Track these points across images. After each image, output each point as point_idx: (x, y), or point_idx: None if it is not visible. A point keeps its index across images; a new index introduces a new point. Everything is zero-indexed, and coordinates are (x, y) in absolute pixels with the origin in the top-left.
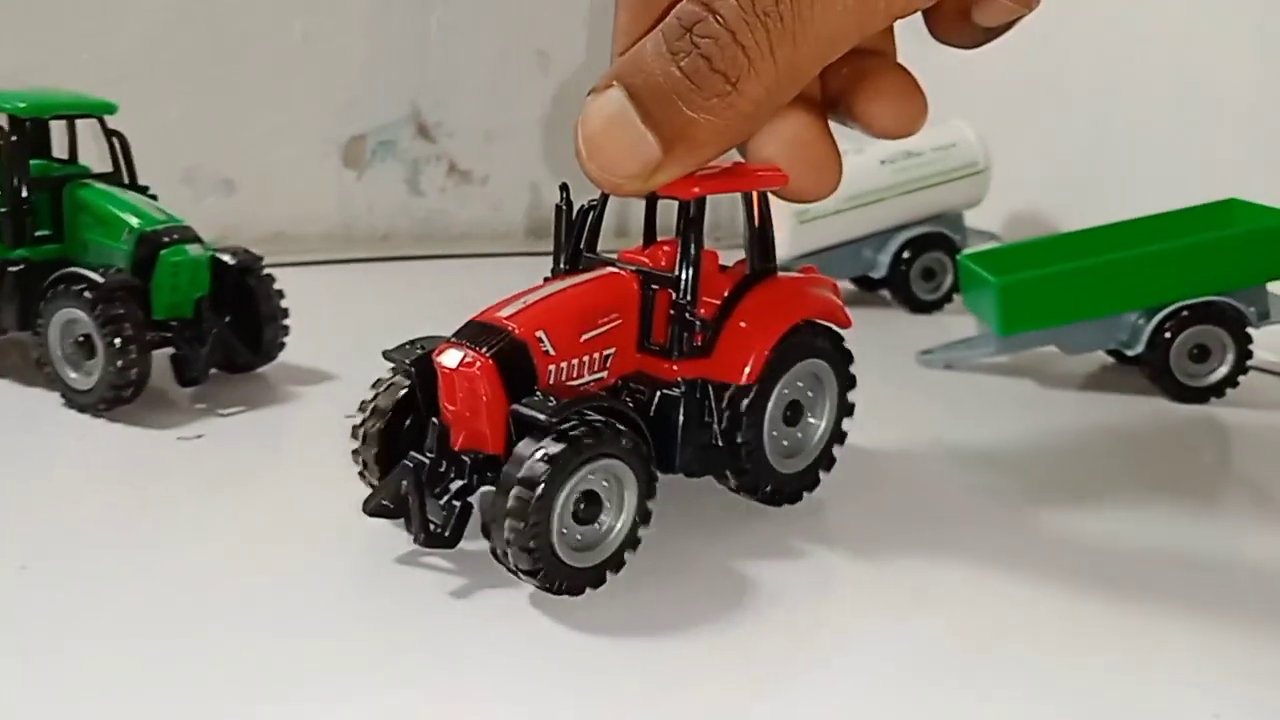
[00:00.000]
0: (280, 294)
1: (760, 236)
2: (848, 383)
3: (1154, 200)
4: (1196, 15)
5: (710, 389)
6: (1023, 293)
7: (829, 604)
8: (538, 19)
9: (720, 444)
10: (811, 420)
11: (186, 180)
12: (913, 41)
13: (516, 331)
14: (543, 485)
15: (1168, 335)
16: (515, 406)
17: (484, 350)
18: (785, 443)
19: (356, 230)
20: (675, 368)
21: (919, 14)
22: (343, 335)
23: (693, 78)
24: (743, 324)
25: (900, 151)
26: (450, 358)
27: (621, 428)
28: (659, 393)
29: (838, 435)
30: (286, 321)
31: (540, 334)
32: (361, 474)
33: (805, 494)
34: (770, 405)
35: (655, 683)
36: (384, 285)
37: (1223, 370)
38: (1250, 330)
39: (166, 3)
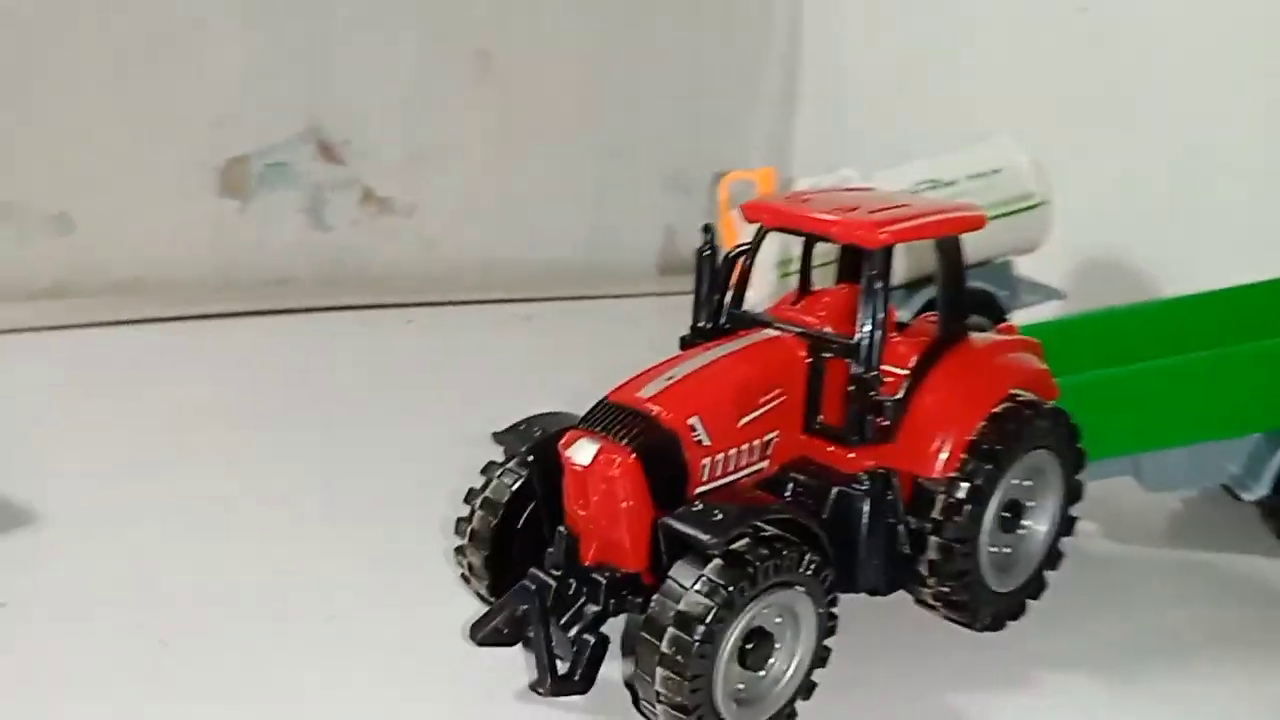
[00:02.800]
0: None
1: (955, 290)
2: (1076, 466)
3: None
4: None
5: (896, 483)
6: (1079, 403)
7: None
8: (473, 11)
9: (910, 551)
10: (1032, 523)
11: (6, 217)
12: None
13: (664, 418)
14: (707, 626)
15: None
16: (668, 520)
17: (625, 442)
18: (1003, 552)
19: (240, 274)
20: (854, 456)
21: None
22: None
23: None
24: (934, 401)
25: (925, 180)
26: (582, 452)
27: (800, 544)
28: (835, 490)
29: (1065, 527)
30: None
31: (694, 421)
32: (465, 577)
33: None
34: (990, 509)
35: None
36: (286, 342)
37: None
38: None
39: None
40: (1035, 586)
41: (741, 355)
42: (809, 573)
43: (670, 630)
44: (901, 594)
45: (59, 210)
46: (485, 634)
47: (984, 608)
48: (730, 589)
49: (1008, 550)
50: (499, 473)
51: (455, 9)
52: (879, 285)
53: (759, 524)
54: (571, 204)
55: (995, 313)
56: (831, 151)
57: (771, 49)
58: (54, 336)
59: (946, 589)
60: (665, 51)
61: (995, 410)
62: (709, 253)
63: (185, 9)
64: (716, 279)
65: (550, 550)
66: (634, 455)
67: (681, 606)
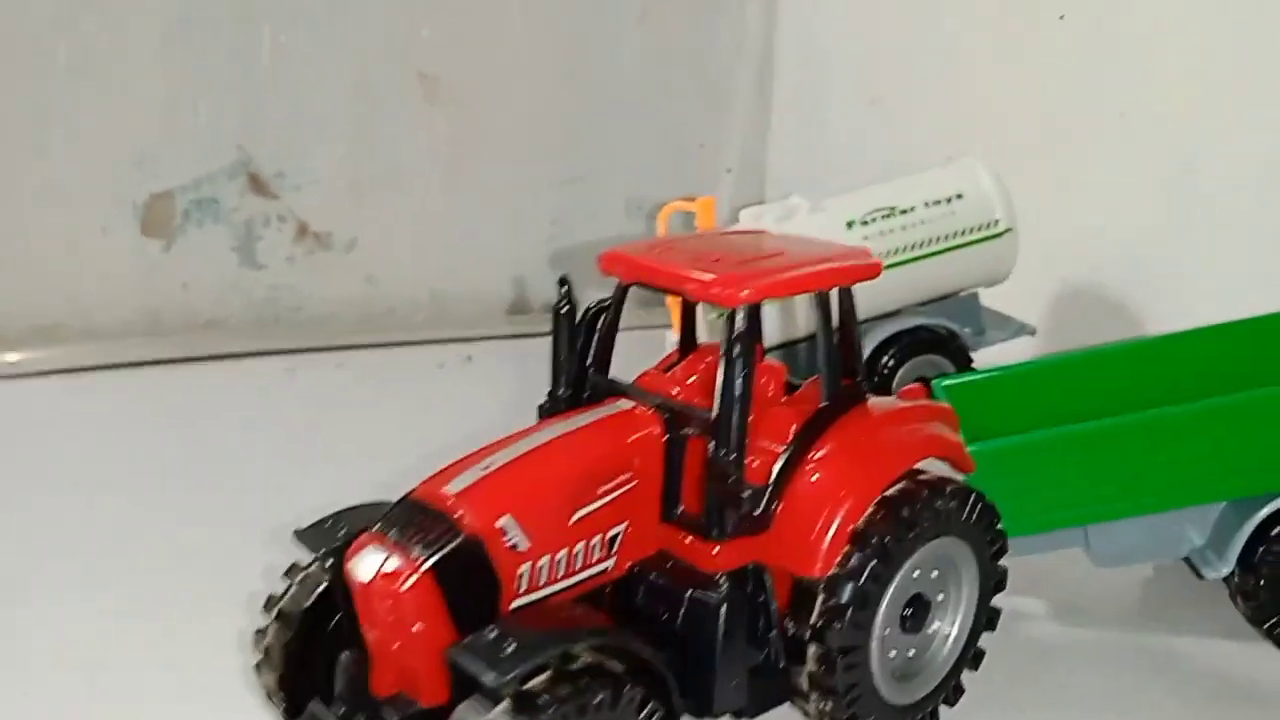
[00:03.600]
0: None
1: (840, 349)
2: (995, 553)
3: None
4: None
5: (770, 582)
6: (1010, 470)
7: None
8: (417, 30)
9: (781, 665)
10: (939, 623)
11: None
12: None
13: (465, 521)
14: None
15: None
16: (452, 651)
17: (416, 554)
18: (896, 655)
19: (167, 317)
20: (716, 553)
21: None
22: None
23: None
24: (816, 482)
25: (879, 208)
26: (365, 565)
27: (624, 675)
28: (689, 595)
29: (984, 622)
30: None
31: (504, 521)
32: (270, 697)
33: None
34: (881, 610)
35: None
36: (214, 393)
37: None
38: None
39: None
40: (948, 693)
41: (581, 435)
42: (632, 712)
43: None
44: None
45: None
46: None
47: None
48: None
49: (911, 654)
50: (300, 577)
51: (396, 28)
52: (740, 350)
53: (572, 650)
54: (528, 234)
55: (957, 352)
56: (806, 173)
57: (743, 67)
58: None
59: (830, 706)
60: (629, 71)
61: (889, 492)
62: (566, 309)
63: (100, 36)
64: (575, 339)
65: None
66: (425, 569)
67: None
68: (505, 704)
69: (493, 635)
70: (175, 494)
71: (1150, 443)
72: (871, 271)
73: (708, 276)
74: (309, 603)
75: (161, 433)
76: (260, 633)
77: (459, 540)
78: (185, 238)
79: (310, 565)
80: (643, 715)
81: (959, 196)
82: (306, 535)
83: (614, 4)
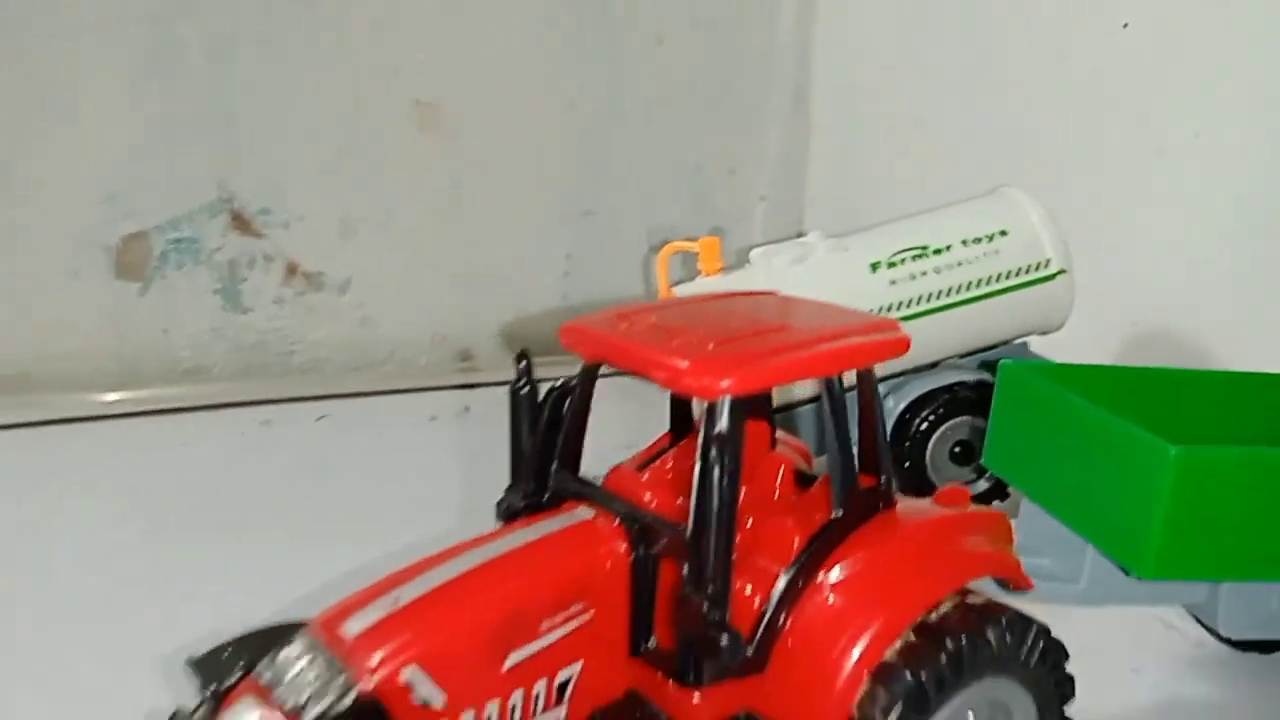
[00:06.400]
0: None
1: (856, 443)
2: (1060, 699)
3: None
4: None
5: None
6: (1218, 483)
7: None
8: (411, 54)
9: None
10: None
11: None
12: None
13: (364, 676)
14: None
15: None
16: None
17: (303, 712)
18: None
19: (146, 366)
20: (697, 701)
21: None
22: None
23: None
24: (826, 615)
25: (909, 248)
26: None
27: None
28: None
29: None
30: None
31: (410, 675)
32: None
33: None
34: None
35: None
36: (194, 447)
37: None
38: None
39: None
40: None
41: (521, 556)
42: None
43: None
44: None
45: None
46: None
47: None
48: None
49: None
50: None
51: (390, 54)
52: (719, 454)
53: None
54: (539, 272)
55: None
56: (847, 200)
57: (777, 88)
58: None
59: None
60: (647, 95)
61: (925, 619)
62: (526, 389)
63: (68, 69)
64: (534, 427)
65: None
66: None
67: None
68: None
69: None
70: (129, 553)
71: None
72: (898, 349)
73: (682, 363)
74: None
75: (132, 489)
76: None
77: (349, 699)
78: (163, 280)
79: (193, 713)
80: None
81: (1003, 233)
82: (201, 664)
83: (628, 25)
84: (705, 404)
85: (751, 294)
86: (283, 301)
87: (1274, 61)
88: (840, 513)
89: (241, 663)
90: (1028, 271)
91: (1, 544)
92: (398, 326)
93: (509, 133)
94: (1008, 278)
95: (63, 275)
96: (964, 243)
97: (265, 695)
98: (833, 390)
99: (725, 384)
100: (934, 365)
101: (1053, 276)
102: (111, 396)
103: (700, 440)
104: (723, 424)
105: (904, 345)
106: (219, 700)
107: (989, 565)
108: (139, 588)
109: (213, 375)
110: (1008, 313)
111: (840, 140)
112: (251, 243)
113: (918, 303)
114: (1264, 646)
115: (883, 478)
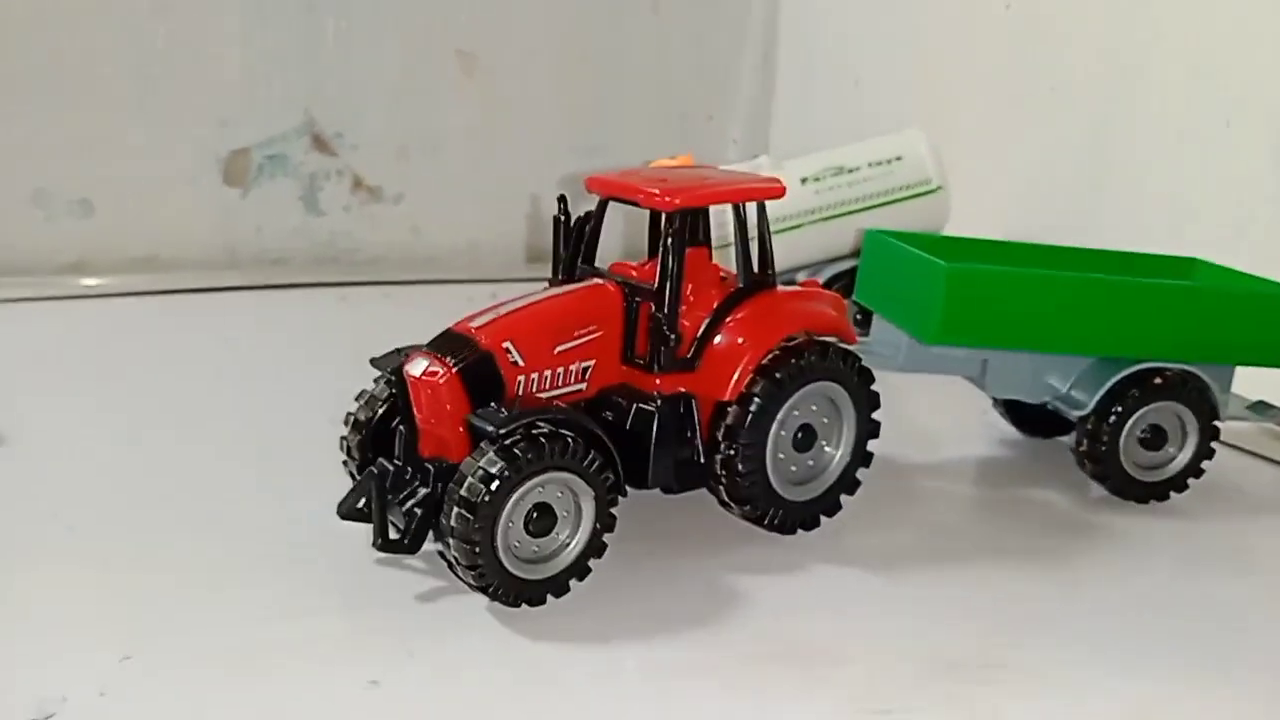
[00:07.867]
0: None
1: (753, 248)
2: (869, 404)
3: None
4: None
5: (696, 404)
6: (975, 288)
7: (821, 619)
8: (455, 14)
9: (701, 460)
10: (827, 448)
11: (36, 201)
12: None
13: (483, 342)
14: (482, 503)
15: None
16: (470, 416)
17: (449, 360)
18: (794, 468)
19: (243, 254)
20: (658, 382)
21: None
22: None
23: None
24: (730, 337)
25: (828, 167)
26: (416, 367)
27: (572, 439)
28: (635, 405)
29: (860, 459)
30: None
31: (508, 345)
32: (351, 475)
33: (825, 519)
34: (773, 430)
35: (615, 693)
36: (281, 314)
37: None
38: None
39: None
40: (830, 505)
41: (564, 297)
42: (583, 464)
43: (456, 508)
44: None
45: (81, 196)
46: (347, 510)
47: (774, 509)
48: (500, 473)
49: (810, 464)
50: (367, 397)
51: (438, 12)
52: (673, 242)
53: (540, 422)
54: (549, 196)
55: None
56: (801, 143)
57: (749, 51)
58: (75, 305)
59: (734, 484)
60: (644, 52)
61: (784, 344)
62: (564, 218)
63: (192, 17)
64: (568, 240)
65: (395, 446)
66: (455, 370)
67: (464, 490)
68: (495, 450)
69: (494, 409)
70: (255, 383)
71: (1073, 296)
72: (775, 192)
73: (655, 190)
74: (375, 414)
75: (239, 347)
76: (344, 437)
77: (478, 354)
78: (259, 188)
79: (375, 387)
80: (588, 466)
81: (898, 159)
82: (378, 361)
83: None
84: (665, 214)
85: (701, 166)
86: (350, 209)
87: None
88: (744, 285)
89: (403, 355)
90: (914, 187)
91: (145, 373)
92: (439, 233)
93: (532, 80)
94: (900, 191)
95: (185, 182)
96: (869, 165)
97: (429, 355)
98: (739, 215)
99: (676, 201)
100: (835, 260)
101: (933, 191)
102: (217, 278)
103: (663, 236)
104: (675, 225)
105: (780, 191)
106: (395, 374)
107: (826, 321)
108: (256, 398)
109: (294, 264)
110: (898, 218)
111: (797, 94)
112: (328, 160)
113: (834, 207)
114: (1044, 433)
115: (769, 271)
